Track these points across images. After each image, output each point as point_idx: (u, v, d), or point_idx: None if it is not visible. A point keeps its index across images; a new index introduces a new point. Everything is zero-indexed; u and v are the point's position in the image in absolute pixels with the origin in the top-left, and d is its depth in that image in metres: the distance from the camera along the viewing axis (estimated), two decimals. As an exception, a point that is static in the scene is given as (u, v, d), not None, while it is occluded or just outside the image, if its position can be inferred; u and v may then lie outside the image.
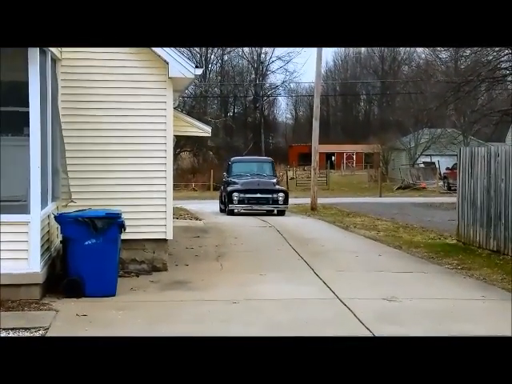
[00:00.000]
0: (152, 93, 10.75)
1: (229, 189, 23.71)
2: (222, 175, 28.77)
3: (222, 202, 25.31)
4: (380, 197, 36.70)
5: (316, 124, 27.17)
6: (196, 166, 52.19)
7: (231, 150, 57.22)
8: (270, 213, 23.47)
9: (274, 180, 25.07)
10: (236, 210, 23.48)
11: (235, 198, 23.17)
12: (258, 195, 23.42)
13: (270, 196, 23.39)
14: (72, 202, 10.10)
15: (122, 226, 9.25)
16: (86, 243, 9.01)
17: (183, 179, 44.75)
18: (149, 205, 10.76)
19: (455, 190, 17.50)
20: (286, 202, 23.44)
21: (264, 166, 26.28)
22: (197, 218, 21.48)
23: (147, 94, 10.74)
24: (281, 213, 23.32)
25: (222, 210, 24.94)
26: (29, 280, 8.49)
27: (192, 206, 26.64)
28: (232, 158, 27.64)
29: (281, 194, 23.48)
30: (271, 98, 79.72)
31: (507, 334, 7.39)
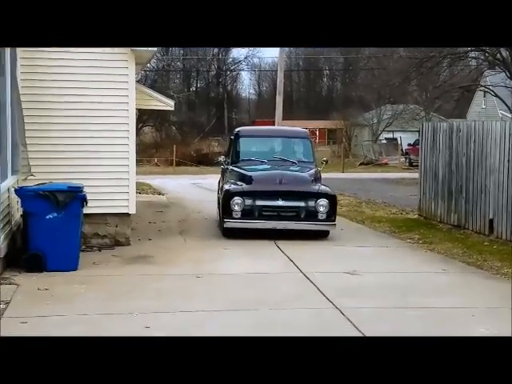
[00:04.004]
0: (114, 65, 10.59)
1: (226, 188, 12.77)
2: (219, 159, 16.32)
3: (219, 205, 13.42)
4: (343, 172, 36.86)
5: (279, 99, 27.09)
6: (159, 140, 51.73)
7: (194, 124, 57.04)
8: (301, 233, 12.27)
9: (312, 172, 13.38)
10: (237, 228, 12.24)
11: (236, 208, 12.17)
12: (280, 202, 12.33)
13: (303, 204, 12.37)
14: (32, 175, 9.93)
15: (84, 200, 9.14)
16: (47, 217, 8.89)
17: (146, 154, 44.28)
18: (111, 179, 10.63)
19: (417, 165, 17.65)
20: (331, 214, 12.44)
21: (294, 144, 14.62)
22: (160, 193, 21.35)
23: (109, 67, 10.58)
24: (322, 234, 12.50)
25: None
26: (-12, 254, 8.36)
27: (155, 181, 26.40)
28: (238, 129, 15.19)
29: (322, 202, 12.32)
30: (234, 73, 79.34)
31: (468, 306, 7.53)
